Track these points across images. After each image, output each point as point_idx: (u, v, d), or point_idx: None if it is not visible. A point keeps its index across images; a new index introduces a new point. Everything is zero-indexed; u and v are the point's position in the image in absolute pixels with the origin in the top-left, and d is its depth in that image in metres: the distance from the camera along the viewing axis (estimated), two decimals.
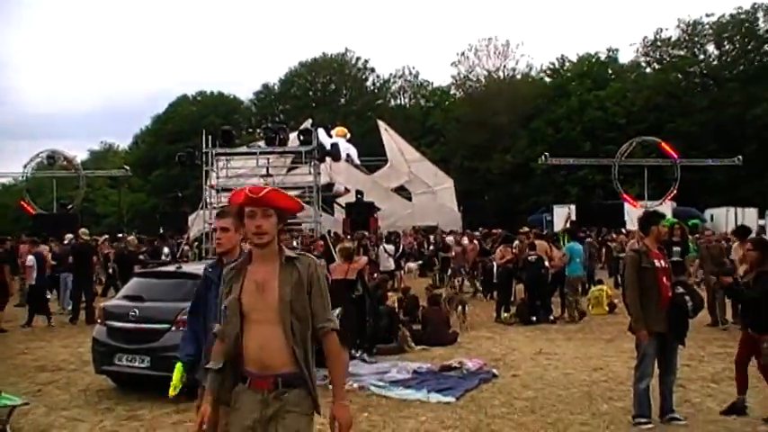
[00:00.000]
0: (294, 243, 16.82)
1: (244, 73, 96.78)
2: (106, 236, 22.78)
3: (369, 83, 58.19)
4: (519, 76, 49.53)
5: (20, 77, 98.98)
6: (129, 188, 50.74)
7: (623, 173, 32.82)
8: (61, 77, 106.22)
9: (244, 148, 20.80)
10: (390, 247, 18.54)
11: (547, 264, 12.66)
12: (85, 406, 6.94)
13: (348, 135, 25.89)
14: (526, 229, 16.63)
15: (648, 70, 47.35)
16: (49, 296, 13.73)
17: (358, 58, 57.50)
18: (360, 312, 8.36)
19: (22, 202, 33.48)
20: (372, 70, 57.79)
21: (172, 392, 4.10)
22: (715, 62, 43.97)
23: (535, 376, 7.83)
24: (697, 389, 7.05)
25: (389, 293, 12.36)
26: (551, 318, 12.25)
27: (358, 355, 8.69)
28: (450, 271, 17.72)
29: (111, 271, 17.26)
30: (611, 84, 44.99)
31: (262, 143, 20.04)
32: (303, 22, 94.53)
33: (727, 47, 43.29)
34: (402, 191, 32.51)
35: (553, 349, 9.51)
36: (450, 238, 20.92)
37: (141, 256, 16.47)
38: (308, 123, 26.18)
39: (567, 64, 49.41)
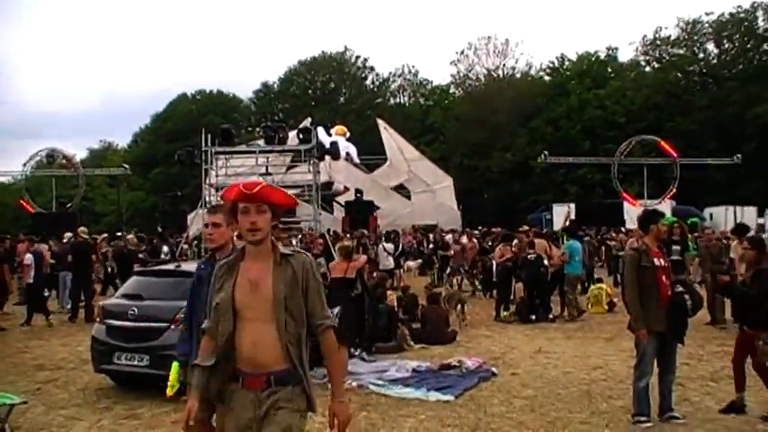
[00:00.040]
0: (294, 242, 16.86)
1: (243, 72, 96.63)
2: (105, 234, 22.76)
3: (368, 81, 58.23)
4: (518, 75, 49.59)
5: (19, 77, 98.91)
6: (129, 187, 50.65)
7: (623, 171, 32.85)
8: (60, 76, 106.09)
9: (243, 147, 20.81)
10: (390, 246, 18.53)
11: (546, 262, 12.67)
12: (84, 405, 6.94)
13: (347, 134, 25.89)
14: (525, 227, 16.65)
15: (648, 69, 47.37)
16: (47, 294, 13.72)
17: (357, 57, 57.60)
18: (359, 311, 8.38)
19: (22, 201, 33.45)
20: (372, 69, 57.93)
21: (169, 392, 4.09)
22: (714, 61, 43.96)
23: (534, 375, 7.83)
24: (696, 387, 7.05)
25: (389, 292, 12.32)
26: (550, 316, 12.25)
27: (357, 353, 8.69)
28: (449, 270, 17.72)
29: (108, 270, 17.26)
30: (610, 82, 45.01)
31: (261, 142, 20.06)
32: (303, 20, 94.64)
33: (726, 46, 43.31)
34: (401, 189, 32.52)
35: (552, 348, 9.50)
36: (449, 237, 20.91)
37: (141, 255, 16.47)
38: (307, 122, 26.23)
39: (567, 63, 49.45)
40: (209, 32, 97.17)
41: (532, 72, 50.17)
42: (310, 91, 56.77)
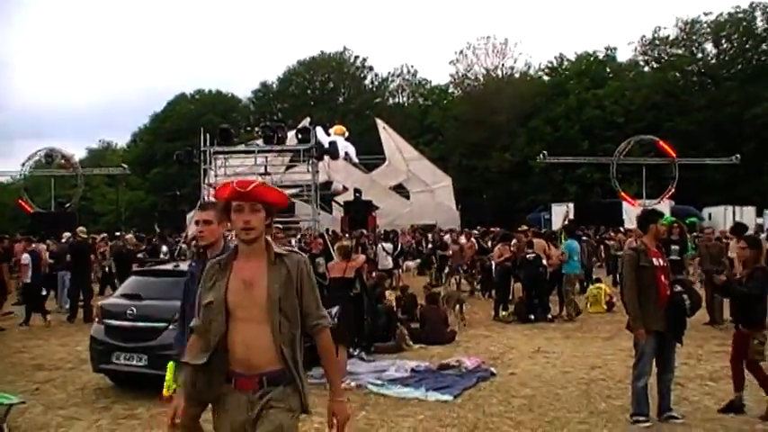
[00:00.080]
0: (293, 241, 16.86)
1: (242, 71, 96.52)
2: (104, 234, 22.74)
3: (367, 81, 58.15)
4: (517, 75, 49.53)
5: (19, 76, 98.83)
6: (128, 186, 50.64)
7: (621, 171, 32.89)
8: (59, 76, 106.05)
9: (242, 147, 20.77)
10: (389, 246, 18.54)
11: (545, 262, 12.67)
12: (83, 404, 6.93)
13: (346, 133, 25.88)
14: (524, 227, 16.63)
15: (647, 69, 47.37)
16: (44, 293, 13.70)
17: (356, 57, 57.53)
18: (358, 311, 8.35)
19: (20, 201, 33.45)
20: (371, 69, 57.84)
21: (166, 392, 4.07)
22: (713, 61, 43.96)
23: (533, 374, 7.83)
24: (695, 387, 7.05)
25: (387, 292, 12.34)
26: (549, 316, 12.24)
27: (356, 353, 8.68)
28: (447, 269, 17.71)
29: (106, 269, 17.24)
30: (609, 82, 45.01)
31: (260, 141, 20.03)
32: (301, 20, 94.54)
33: (725, 46, 43.31)
34: (400, 189, 32.54)
35: (551, 347, 9.50)
36: (448, 237, 20.90)
37: (140, 255, 16.46)
38: (306, 122, 26.23)
39: (566, 63, 49.40)
40: (208, 32, 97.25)
41: (531, 72, 50.20)
42: (309, 91, 56.72)
